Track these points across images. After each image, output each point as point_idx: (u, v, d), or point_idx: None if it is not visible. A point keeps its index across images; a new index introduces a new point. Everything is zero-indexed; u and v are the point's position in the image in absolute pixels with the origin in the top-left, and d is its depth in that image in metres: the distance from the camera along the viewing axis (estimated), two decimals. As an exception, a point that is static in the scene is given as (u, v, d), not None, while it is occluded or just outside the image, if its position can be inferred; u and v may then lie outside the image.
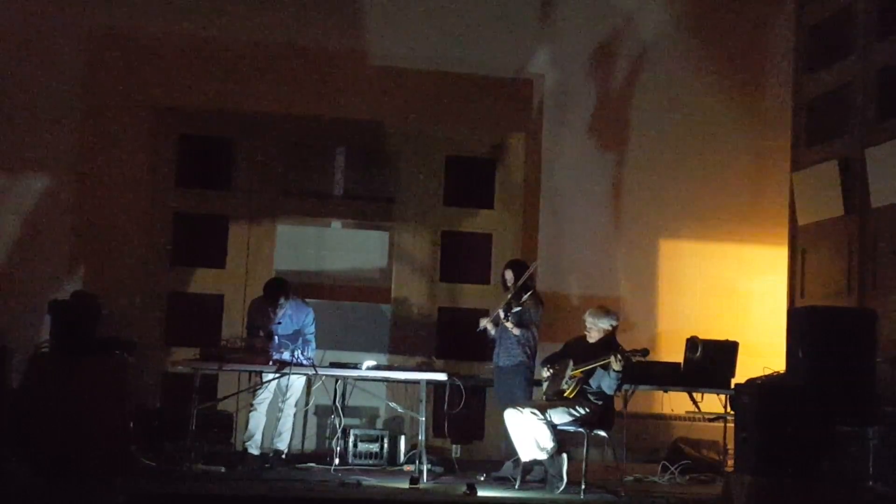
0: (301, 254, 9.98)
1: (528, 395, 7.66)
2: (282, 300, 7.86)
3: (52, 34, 9.19)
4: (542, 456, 7.01)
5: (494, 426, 8.77)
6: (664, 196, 9.83)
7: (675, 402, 8.59)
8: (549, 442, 6.94)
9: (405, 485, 7.01)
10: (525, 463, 7.16)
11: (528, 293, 7.72)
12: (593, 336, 7.29)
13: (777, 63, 10.00)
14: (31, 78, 9.12)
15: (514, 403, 7.23)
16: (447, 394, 7.67)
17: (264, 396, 7.89)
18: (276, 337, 7.78)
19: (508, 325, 7.64)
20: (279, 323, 7.87)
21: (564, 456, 6.99)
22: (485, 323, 7.87)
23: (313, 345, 8.00)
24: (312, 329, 8.05)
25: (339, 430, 7.96)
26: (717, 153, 9.93)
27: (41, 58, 9.14)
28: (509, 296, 7.72)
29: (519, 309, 7.66)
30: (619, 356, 6.92)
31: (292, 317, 7.97)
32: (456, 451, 8.56)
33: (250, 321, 8.06)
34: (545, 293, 8.37)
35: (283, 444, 7.97)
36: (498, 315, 7.71)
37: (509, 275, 7.84)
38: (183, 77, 9.46)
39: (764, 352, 8.07)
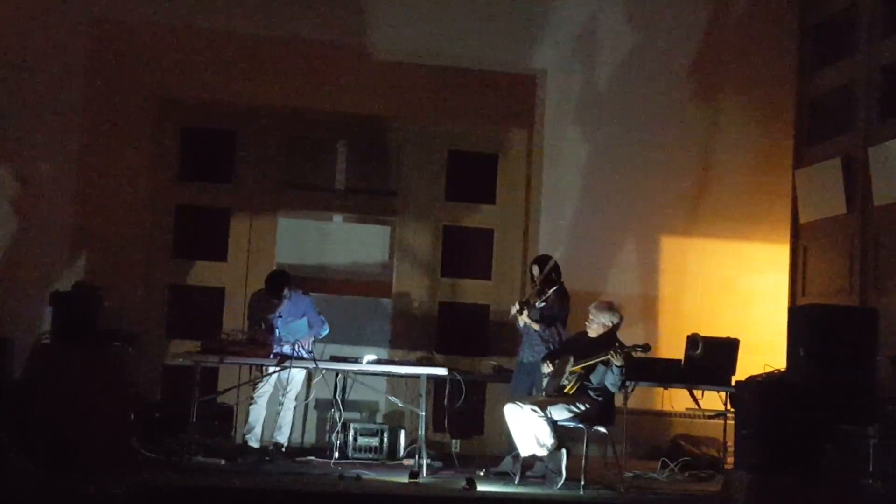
0: (302, 247, 9.97)
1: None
2: (285, 291, 7.87)
3: (55, 25, 9.18)
4: (542, 452, 7.00)
5: (494, 421, 8.78)
6: (666, 193, 9.81)
7: (675, 399, 8.58)
8: (548, 438, 6.94)
9: (405, 479, 7.02)
10: (524, 458, 7.15)
11: (553, 288, 7.65)
12: (593, 330, 7.29)
13: (780, 60, 9.97)
14: (33, 69, 9.09)
15: (518, 399, 7.22)
16: (447, 389, 7.66)
17: (265, 390, 7.91)
18: (276, 330, 7.79)
19: (524, 319, 7.60)
20: (280, 316, 7.88)
21: (564, 451, 6.99)
22: (514, 310, 7.67)
23: (326, 326, 8.04)
24: (316, 312, 8.05)
25: (339, 424, 7.97)
26: (719, 150, 9.90)
27: (44, 49, 9.13)
28: (534, 290, 7.68)
29: (542, 304, 7.63)
30: (618, 351, 6.91)
31: (292, 309, 7.98)
32: (455, 445, 8.55)
33: (251, 314, 8.07)
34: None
35: (283, 438, 7.99)
36: (515, 307, 7.65)
37: (535, 270, 7.79)
38: (185, 70, 9.45)
39: (765, 349, 8.05)
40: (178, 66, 9.43)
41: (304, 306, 8.05)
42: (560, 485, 6.95)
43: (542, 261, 7.84)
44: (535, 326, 7.59)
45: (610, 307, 7.35)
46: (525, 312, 7.60)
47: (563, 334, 7.67)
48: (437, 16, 9.63)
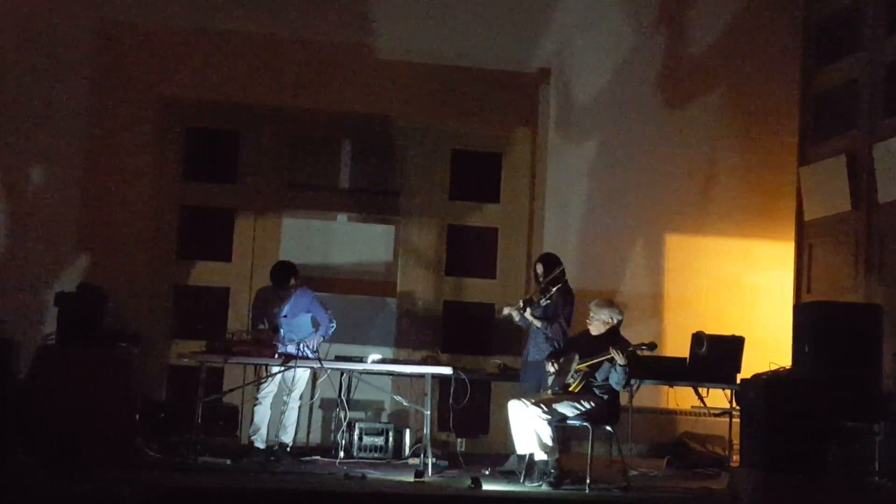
0: (307, 247, 9.97)
1: None
2: (292, 282, 7.85)
3: (61, 27, 9.21)
4: (540, 454, 6.90)
5: (499, 421, 8.76)
6: (670, 191, 9.81)
7: (680, 397, 8.59)
8: (549, 440, 6.89)
9: (410, 478, 7.01)
10: (529, 457, 7.13)
11: (556, 287, 7.66)
12: (595, 327, 7.26)
13: (784, 57, 9.96)
14: (38, 70, 9.13)
15: (522, 396, 7.21)
16: (452, 388, 7.66)
17: (269, 390, 7.89)
18: (281, 330, 7.78)
19: (528, 315, 7.61)
20: (285, 316, 7.87)
21: (556, 455, 6.93)
22: (508, 310, 7.76)
23: (334, 323, 7.94)
24: (320, 308, 8.01)
25: (345, 424, 7.97)
26: (724, 147, 9.91)
27: (49, 50, 9.15)
28: (538, 288, 7.69)
29: (547, 303, 7.63)
30: (620, 350, 6.89)
31: (296, 305, 7.94)
32: (461, 444, 8.56)
33: (255, 311, 8.06)
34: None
35: (287, 438, 7.97)
36: (519, 304, 7.67)
37: (539, 268, 7.80)
38: (189, 70, 9.48)
39: (770, 347, 8.04)
40: (182, 67, 9.46)
41: (306, 302, 8.01)
42: (542, 485, 6.83)
43: (548, 261, 7.83)
44: (538, 324, 7.60)
45: (610, 304, 7.34)
46: (528, 310, 7.60)
47: (567, 332, 7.67)
48: (441, 14, 9.63)
